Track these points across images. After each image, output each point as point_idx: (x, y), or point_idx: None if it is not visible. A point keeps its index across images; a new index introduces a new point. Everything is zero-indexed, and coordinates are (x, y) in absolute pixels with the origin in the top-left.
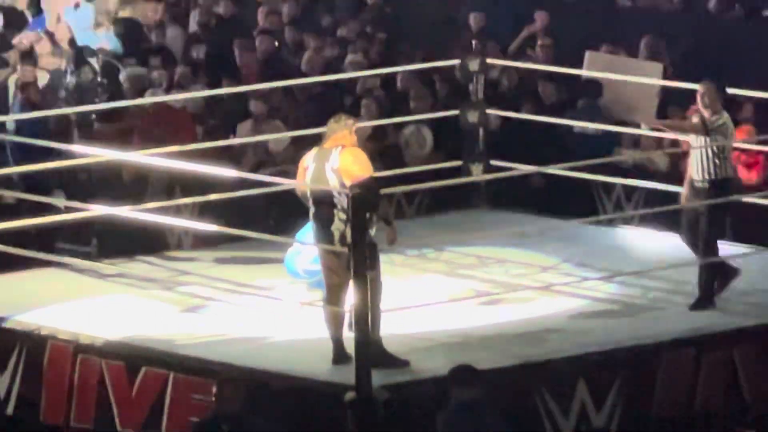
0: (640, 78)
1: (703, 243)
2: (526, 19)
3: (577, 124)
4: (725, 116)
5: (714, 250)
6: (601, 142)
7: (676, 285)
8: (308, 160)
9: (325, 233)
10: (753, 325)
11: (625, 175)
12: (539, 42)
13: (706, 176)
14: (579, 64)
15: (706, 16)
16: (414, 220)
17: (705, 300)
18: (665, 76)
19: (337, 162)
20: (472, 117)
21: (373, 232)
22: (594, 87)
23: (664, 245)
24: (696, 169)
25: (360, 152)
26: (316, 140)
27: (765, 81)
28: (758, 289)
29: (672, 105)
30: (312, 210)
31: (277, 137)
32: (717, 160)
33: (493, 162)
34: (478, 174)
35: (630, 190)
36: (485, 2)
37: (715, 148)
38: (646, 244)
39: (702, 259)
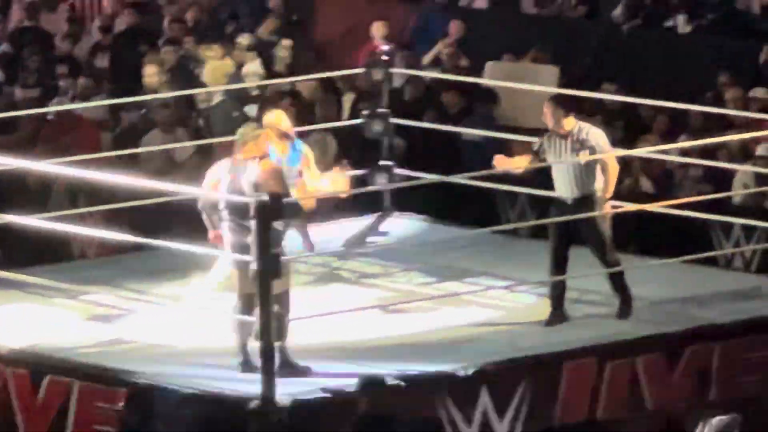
0: (541, 87)
1: (599, 255)
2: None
3: (478, 132)
4: (591, 129)
5: (612, 259)
6: (493, 150)
7: (579, 294)
8: (221, 171)
9: (241, 243)
10: (655, 334)
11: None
12: (446, 51)
13: (569, 193)
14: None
15: (611, 25)
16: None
17: (626, 306)
18: (565, 82)
19: (254, 175)
20: (377, 126)
21: (283, 239)
22: (490, 95)
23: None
24: (562, 185)
25: (275, 165)
26: (223, 149)
27: (668, 89)
28: (660, 298)
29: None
30: (227, 222)
31: (183, 146)
32: (580, 176)
33: (398, 170)
34: (382, 182)
35: (534, 200)
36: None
37: (582, 165)
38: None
39: (606, 268)
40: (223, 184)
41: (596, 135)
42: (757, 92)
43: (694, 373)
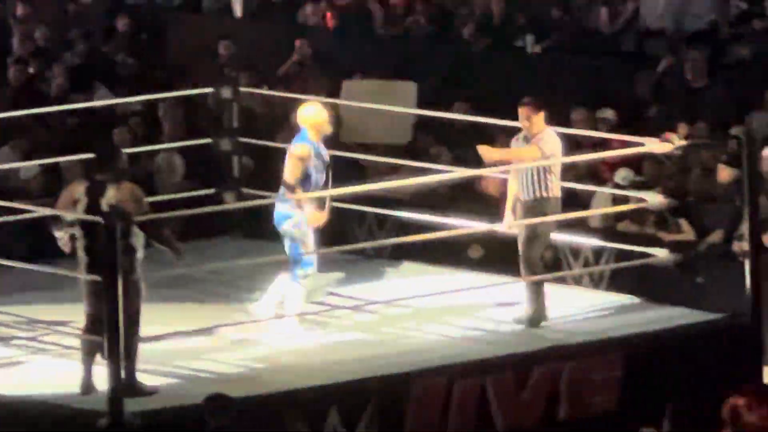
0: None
1: (523, 262)
2: None
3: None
4: (549, 133)
5: (535, 268)
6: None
7: (430, 315)
8: (79, 192)
9: (96, 265)
10: (504, 355)
11: (376, 205)
12: (295, 70)
13: (533, 195)
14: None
15: (461, 44)
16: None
17: (538, 315)
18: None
19: (115, 198)
20: (225, 145)
21: (138, 258)
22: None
23: (416, 275)
24: (521, 188)
25: (134, 187)
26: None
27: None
28: (508, 318)
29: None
30: (83, 242)
31: (29, 164)
32: (546, 179)
33: (246, 190)
34: (231, 202)
35: (383, 219)
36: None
37: (543, 167)
38: (399, 274)
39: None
40: (80, 205)
41: (549, 141)
42: (605, 113)
43: (542, 392)
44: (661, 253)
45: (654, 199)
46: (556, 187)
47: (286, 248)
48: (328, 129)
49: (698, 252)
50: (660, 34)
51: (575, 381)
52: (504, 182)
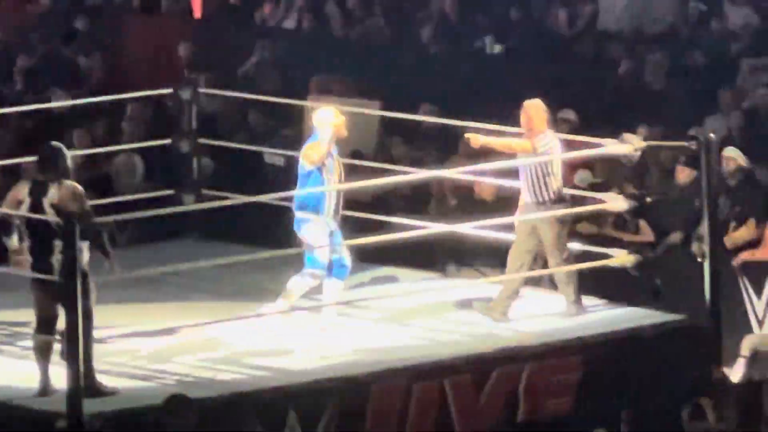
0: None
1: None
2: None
3: (284, 152)
4: (550, 135)
5: (569, 259)
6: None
7: (392, 316)
8: (23, 192)
9: (43, 264)
10: (464, 357)
11: None
12: (254, 71)
13: (537, 197)
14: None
15: (419, 47)
16: (126, 250)
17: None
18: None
19: (56, 197)
20: (184, 146)
21: (85, 260)
22: (296, 117)
23: (381, 277)
24: (526, 189)
25: (76, 186)
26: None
27: (479, 110)
28: (469, 320)
29: (394, 136)
30: (27, 242)
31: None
32: (545, 181)
33: (206, 191)
34: (190, 203)
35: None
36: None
37: (542, 169)
38: (363, 276)
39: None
40: (24, 206)
41: (546, 140)
42: (567, 114)
43: (501, 395)
44: (620, 255)
45: (613, 200)
46: (557, 188)
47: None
48: (344, 132)
49: (657, 253)
50: (619, 37)
51: (534, 383)
52: (499, 187)
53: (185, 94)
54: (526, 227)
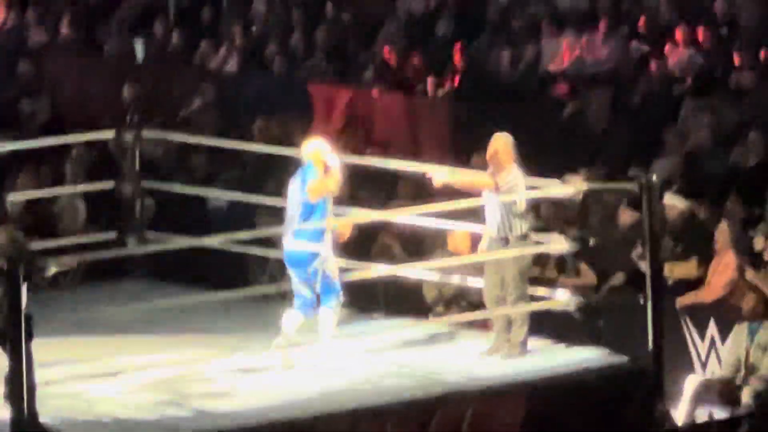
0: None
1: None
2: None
3: (231, 195)
4: (515, 171)
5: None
6: (239, 213)
7: (339, 358)
8: None
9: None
10: (408, 400)
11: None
12: (196, 113)
13: (501, 234)
14: (243, 136)
15: (361, 86)
16: (69, 293)
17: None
18: None
19: None
20: (127, 189)
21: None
22: (239, 160)
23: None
24: (491, 225)
25: (13, 229)
26: None
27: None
28: (410, 362)
29: None
30: None
31: None
32: (510, 217)
33: (149, 233)
34: (133, 245)
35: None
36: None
37: (506, 206)
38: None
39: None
40: None
41: (510, 177)
42: None
43: None
44: (562, 297)
45: (555, 242)
46: (521, 226)
47: (316, 284)
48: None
49: (599, 296)
50: (562, 77)
51: (477, 424)
52: (475, 237)
53: (128, 137)
54: (492, 262)
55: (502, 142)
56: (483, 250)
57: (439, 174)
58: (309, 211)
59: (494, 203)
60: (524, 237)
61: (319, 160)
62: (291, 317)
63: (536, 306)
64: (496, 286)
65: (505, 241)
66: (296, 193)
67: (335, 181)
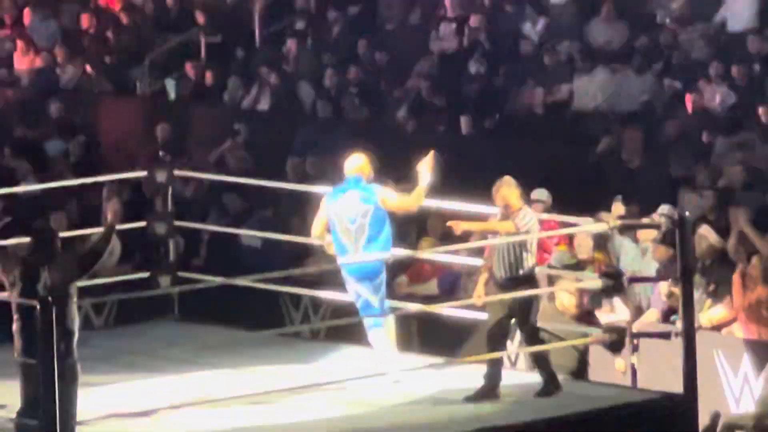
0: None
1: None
2: None
3: (258, 234)
4: (528, 211)
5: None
6: (271, 253)
7: (352, 396)
8: (13, 275)
9: (31, 348)
10: None
11: (312, 287)
12: (230, 152)
13: (509, 274)
14: (275, 175)
15: (394, 125)
16: (102, 332)
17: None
18: None
19: (48, 280)
20: (160, 228)
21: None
22: (270, 199)
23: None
24: (499, 265)
25: (67, 264)
26: None
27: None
28: (452, 398)
29: None
30: (18, 324)
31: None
32: (522, 258)
33: (182, 273)
34: (166, 285)
35: (318, 302)
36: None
37: (520, 246)
38: (332, 356)
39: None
40: (16, 289)
41: (526, 219)
42: (540, 194)
43: None
44: (595, 333)
45: (588, 279)
46: (532, 265)
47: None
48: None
49: (632, 332)
50: (595, 115)
51: None
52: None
53: (161, 177)
54: (497, 304)
55: (505, 187)
56: (480, 295)
57: (459, 223)
58: (380, 223)
59: (508, 243)
60: (533, 277)
61: (366, 174)
62: (378, 336)
63: (570, 342)
64: (504, 325)
65: (514, 280)
66: (354, 206)
67: (419, 197)
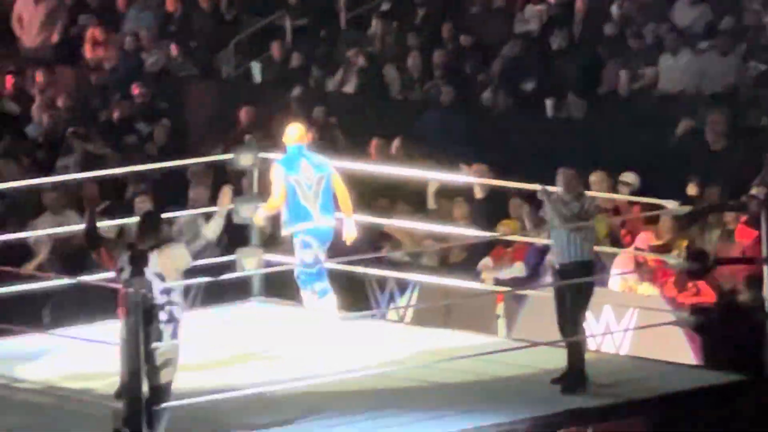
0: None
1: (571, 324)
2: None
3: None
4: (587, 198)
5: (581, 331)
6: None
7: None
8: (122, 261)
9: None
10: (531, 417)
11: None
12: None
13: (568, 259)
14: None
15: (480, 108)
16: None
17: (575, 380)
18: None
19: (157, 265)
20: (245, 210)
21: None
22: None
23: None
24: (559, 252)
25: (173, 249)
26: None
27: (535, 171)
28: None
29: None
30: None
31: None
32: (579, 244)
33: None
34: (251, 267)
35: (403, 285)
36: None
37: (586, 232)
38: (411, 339)
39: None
40: (125, 273)
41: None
42: (627, 177)
43: None
44: (681, 315)
45: (674, 262)
46: (590, 251)
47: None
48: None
49: (718, 313)
50: (679, 97)
51: None
52: None
53: (246, 159)
54: (559, 291)
55: (566, 176)
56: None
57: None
58: (330, 190)
59: (566, 232)
60: (593, 264)
61: (305, 143)
62: (330, 300)
63: (654, 325)
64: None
65: (569, 266)
66: (309, 173)
67: None
